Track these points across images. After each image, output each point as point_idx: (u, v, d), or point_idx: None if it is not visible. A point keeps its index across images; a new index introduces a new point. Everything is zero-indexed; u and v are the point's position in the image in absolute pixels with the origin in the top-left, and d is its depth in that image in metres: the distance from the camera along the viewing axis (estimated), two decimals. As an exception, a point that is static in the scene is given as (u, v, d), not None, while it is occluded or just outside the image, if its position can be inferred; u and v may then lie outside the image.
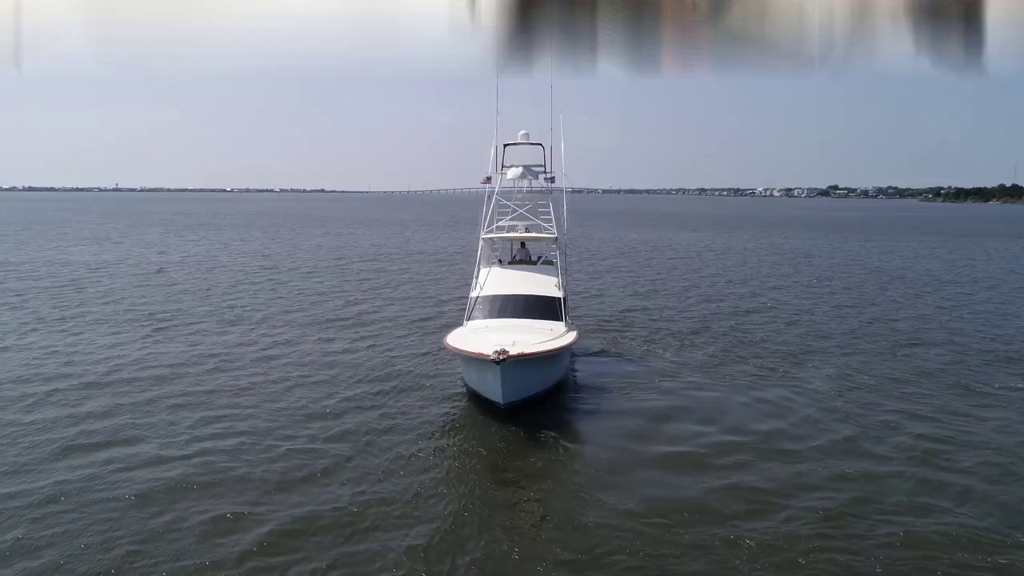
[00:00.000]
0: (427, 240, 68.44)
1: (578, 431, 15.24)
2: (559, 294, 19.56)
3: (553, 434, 14.44)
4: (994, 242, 71.03)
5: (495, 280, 20.20)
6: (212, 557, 9.88)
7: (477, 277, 20.62)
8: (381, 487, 12.07)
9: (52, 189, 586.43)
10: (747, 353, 21.45)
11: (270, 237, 70.89)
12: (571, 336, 17.75)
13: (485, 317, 18.77)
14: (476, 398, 16.21)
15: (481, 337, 16.32)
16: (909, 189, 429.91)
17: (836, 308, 29.78)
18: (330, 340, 22.77)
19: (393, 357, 20.71)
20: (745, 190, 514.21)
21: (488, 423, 15.09)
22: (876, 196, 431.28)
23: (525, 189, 24.34)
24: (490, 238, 22.09)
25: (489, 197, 22.59)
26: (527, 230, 23.27)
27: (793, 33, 5.98)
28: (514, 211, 23.11)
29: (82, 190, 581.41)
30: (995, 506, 11.54)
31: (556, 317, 18.70)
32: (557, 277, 20.56)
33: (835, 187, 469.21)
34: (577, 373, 19.57)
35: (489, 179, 23.24)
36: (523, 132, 23.58)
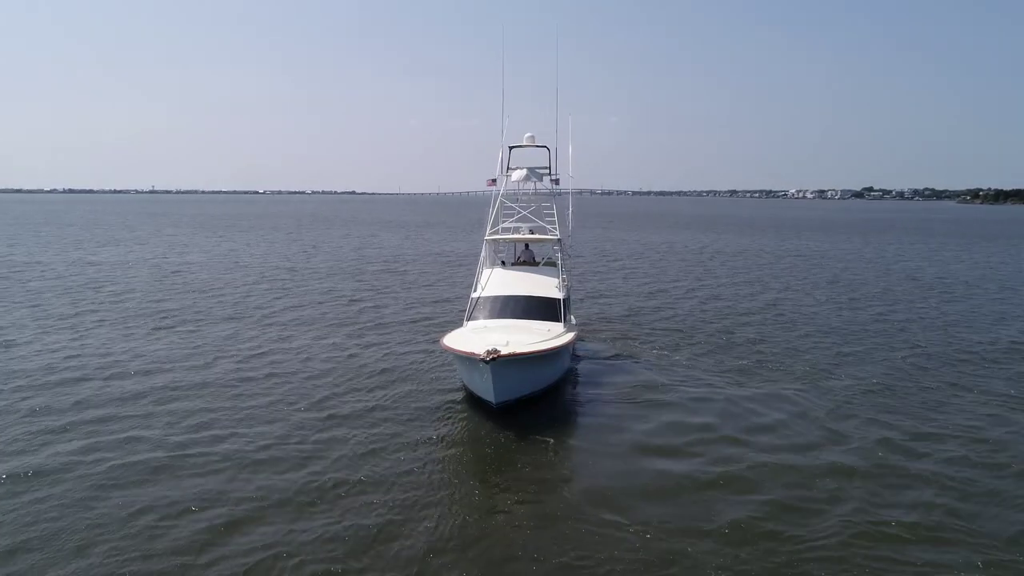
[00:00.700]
0: (447, 241, 68.54)
1: (570, 433, 15.02)
2: (559, 295, 19.57)
3: (544, 436, 14.25)
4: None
5: (496, 281, 20.25)
6: (179, 549, 9.89)
7: (479, 278, 20.63)
8: (363, 483, 12.01)
9: (91, 191, 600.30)
10: (752, 357, 20.89)
11: (293, 238, 71.54)
12: (568, 337, 17.70)
13: (484, 317, 18.83)
14: (472, 398, 16.21)
15: (476, 337, 16.35)
16: (946, 191, 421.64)
17: (847, 311, 29.04)
18: (333, 340, 22.75)
19: (393, 357, 20.61)
20: (777, 192, 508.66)
21: (480, 423, 15.02)
22: (912, 198, 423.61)
23: (530, 191, 24.25)
24: (493, 240, 22.11)
25: (495, 199, 22.62)
26: (531, 232, 23.26)
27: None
28: (518, 213, 23.14)
29: (119, 192, 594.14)
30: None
31: (555, 318, 18.73)
32: (558, 278, 20.54)
33: (870, 189, 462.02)
34: (578, 374, 19.44)
35: (494, 181, 23.31)
36: (529, 135, 23.60)
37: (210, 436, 14.11)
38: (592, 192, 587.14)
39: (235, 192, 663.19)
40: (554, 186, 24.02)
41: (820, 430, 14.81)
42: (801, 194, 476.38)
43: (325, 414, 15.47)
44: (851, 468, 12.79)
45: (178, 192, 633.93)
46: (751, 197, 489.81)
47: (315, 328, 24.66)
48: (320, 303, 30.12)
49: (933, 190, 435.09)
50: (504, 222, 22.98)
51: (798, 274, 42.16)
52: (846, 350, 21.93)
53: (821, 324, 26.15)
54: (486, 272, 20.93)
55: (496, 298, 19.31)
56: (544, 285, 20.12)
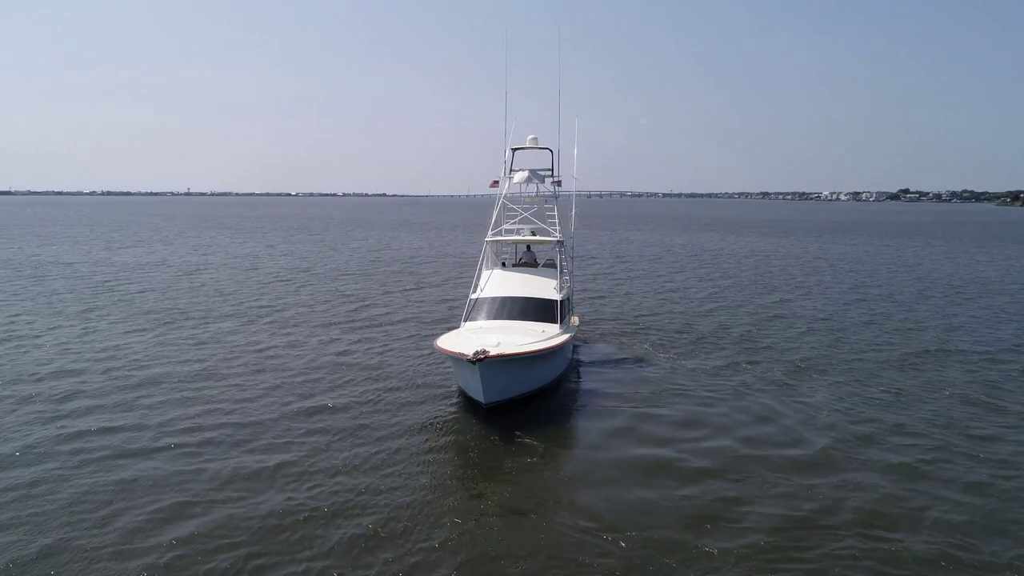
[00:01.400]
0: (466, 243, 68.64)
1: (560, 436, 14.85)
2: (557, 296, 19.51)
3: (533, 438, 14.12)
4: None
5: (494, 282, 20.31)
6: (159, 543, 10.02)
7: (478, 279, 20.66)
8: (338, 480, 12.10)
9: (128, 193, 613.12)
10: (757, 362, 20.48)
11: (316, 239, 72.28)
12: (561, 338, 17.62)
13: (481, 318, 18.87)
14: (466, 399, 16.24)
15: (469, 338, 16.37)
16: (986, 193, 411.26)
17: (861, 315, 28.40)
18: (333, 340, 22.90)
19: (391, 357, 20.69)
20: (810, 194, 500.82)
21: (470, 424, 15.03)
22: (950, 200, 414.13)
23: (533, 193, 24.18)
24: (494, 241, 22.09)
25: (497, 201, 22.66)
26: (533, 233, 23.20)
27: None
28: (521, 215, 23.12)
29: (156, 194, 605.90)
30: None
31: (552, 319, 18.69)
32: (557, 280, 20.44)
33: (906, 191, 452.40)
34: (578, 375, 19.37)
35: (497, 183, 23.33)
36: (532, 136, 23.54)
37: (190, 429, 14.31)
38: (622, 194, 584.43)
39: (268, 194, 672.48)
40: (556, 188, 23.96)
41: (819, 438, 14.39)
42: (835, 196, 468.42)
43: (312, 412, 15.56)
44: (842, 477, 12.45)
45: (212, 194, 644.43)
46: (784, 199, 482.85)
47: (318, 328, 24.84)
48: (328, 303, 30.35)
49: (972, 192, 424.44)
50: (506, 223, 22.97)
51: (814, 276, 41.41)
52: (848, 355, 21.44)
53: (827, 329, 25.62)
54: (486, 273, 20.97)
55: (493, 299, 19.34)
56: (542, 286, 20.07)
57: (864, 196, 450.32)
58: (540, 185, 23.63)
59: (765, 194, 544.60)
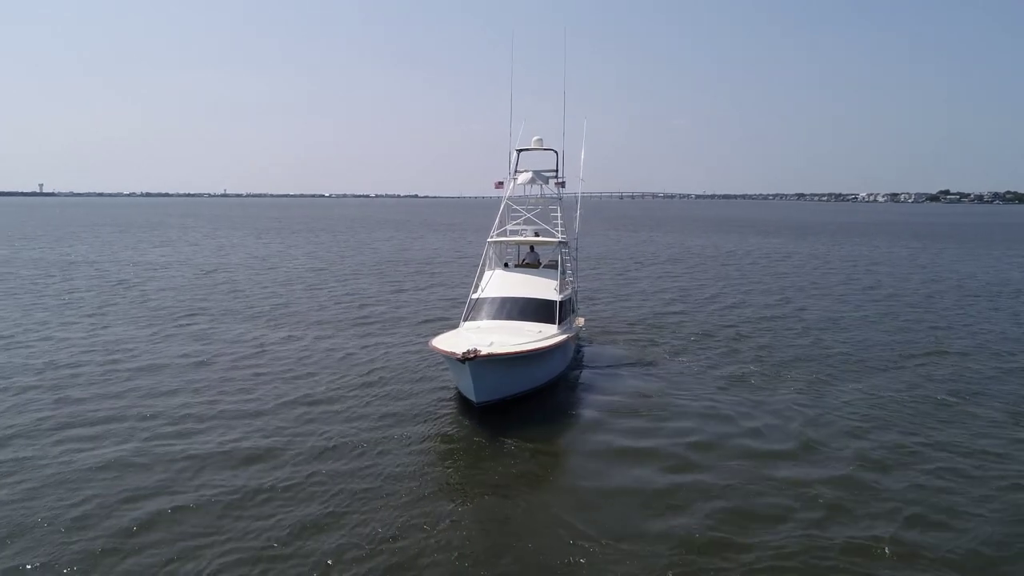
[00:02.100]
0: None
1: (551, 437, 14.64)
2: (556, 297, 19.39)
3: (523, 438, 13.99)
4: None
5: (494, 283, 20.29)
6: (142, 532, 10.16)
7: (479, 279, 20.62)
8: (317, 475, 12.16)
9: (166, 195, 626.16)
10: (759, 366, 20.00)
11: (340, 240, 73.06)
12: (557, 338, 17.49)
13: (480, 318, 18.85)
14: (462, 398, 16.20)
15: (463, 337, 16.34)
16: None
17: (877, 319, 27.74)
18: (336, 339, 23.01)
19: (391, 356, 20.72)
20: (847, 195, 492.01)
21: (462, 423, 15.03)
22: (992, 201, 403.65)
23: (538, 194, 24.08)
24: (496, 242, 22.00)
25: (503, 202, 22.69)
26: (536, 234, 23.10)
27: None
28: (525, 216, 23.05)
29: (193, 195, 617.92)
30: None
31: (550, 320, 18.58)
32: (557, 280, 20.30)
33: (946, 192, 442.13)
34: (579, 375, 19.26)
35: (501, 184, 23.33)
36: (537, 138, 23.43)
37: (181, 423, 14.51)
38: (655, 195, 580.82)
39: (302, 195, 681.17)
40: (560, 189, 23.83)
41: (815, 446, 13.89)
42: (872, 197, 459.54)
43: (301, 408, 15.71)
44: (830, 489, 11.97)
45: (248, 195, 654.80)
46: (819, 201, 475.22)
47: (322, 326, 25.00)
48: (336, 303, 30.56)
49: (1015, 193, 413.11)
50: (509, 224, 22.92)
51: (833, 279, 40.60)
52: (853, 360, 20.91)
53: (836, 333, 25.03)
54: (487, 274, 20.95)
55: (492, 299, 19.30)
56: (541, 287, 19.95)
57: (902, 198, 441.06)
58: (544, 186, 23.53)
59: (801, 195, 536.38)
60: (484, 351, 14.68)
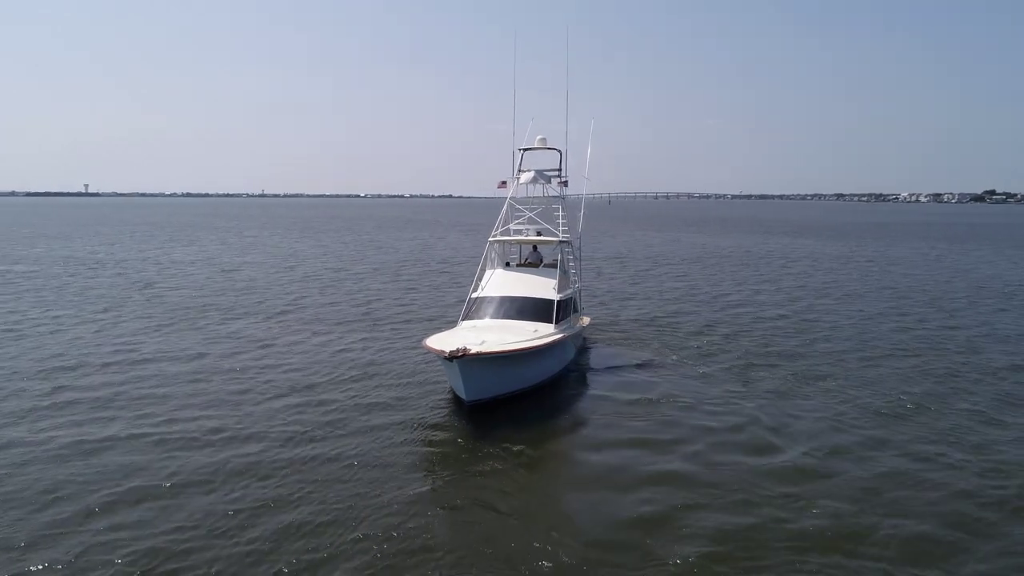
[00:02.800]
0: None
1: (539, 439, 14.47)
2: (554, 296, 19.34)
3: (511, 440, 13.90)
4: None
5: (493, 282, 20.33)
6: (136, 526, 10.29)
7: (479, 278, 20.66)
8: (292, 471, 12.24)
9: (206, 195, 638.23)
10: (763, 371, 19.49)
11: (364, 240, 73.73)
12: (552, 338, 17.46)
13: (478, 317, 18.90)
14: (454, 396, 16.26)
15: (457, 336, 16.38)
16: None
17: (877, 322, 27.11)
18: (340, 337, 23.21)
19: (394, 355, 20.81)
20: (887, 195, 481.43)
21: (452, 421, 15.04)
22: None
23: (540, 194, 24.04)
24: (497, 241, 22.00)
25: (507, 201, 22.72)
26: (539, 234, 23.07)
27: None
28: (529, 215, 23.06)
29: (232, 196, 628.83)
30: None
31: (547, 319, 18.53)
32: (556, 280, 20.21)
33: (991, 192, 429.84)
34: (579, 375, 19.17)
35: (505, 183, 23.34)
36: (540, 137, 23.44)
37: (167, 421, 14.73)
38: (689, 196, 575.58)
39: (337, 195, 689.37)
40: (563, 188, 23.77)
41: (817, 458, 13.31)
42: (914, 198, 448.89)
43: (292, 404, 15.89)
44: (831, 502, 11.49)
45: (285, 195, 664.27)
46: (859, 201, 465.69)
47: (327, 325, 25.23)
48: (347, 301, 30.82)
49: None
50: (512, 224, 22.92)
51: (858, 282, 39.76)
52: (856, 362, 20.45)
53: (848, 337, 24.52)
54: (487, 273, 21.00)
55: (490, 299, 19.33)
56: (540, 286, 19.89)
57: (946, 198, 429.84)
58: (547, 186, 23.48)
59: (840, 196, 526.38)
60: (473, 350, 14.74)
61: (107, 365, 19.18)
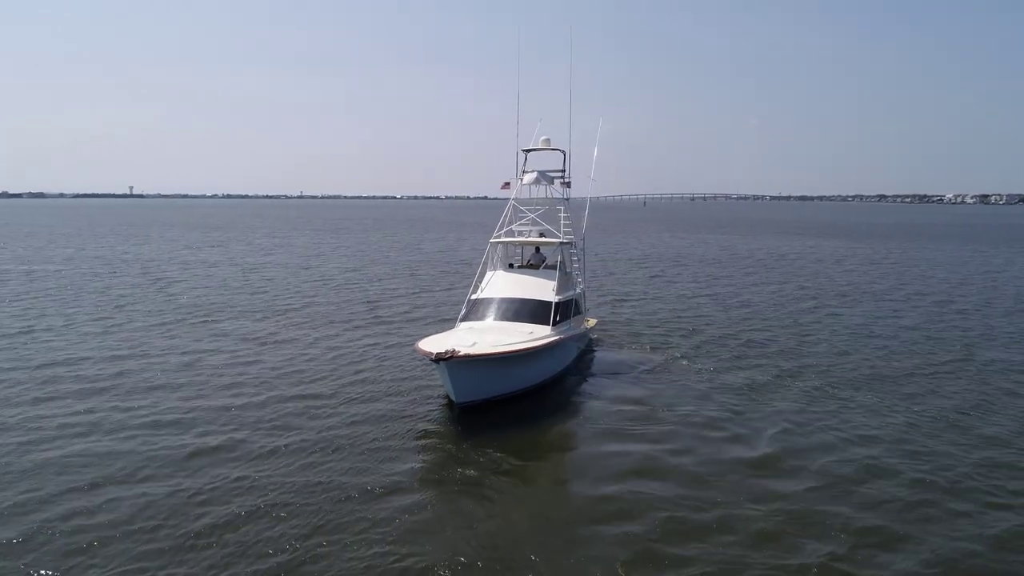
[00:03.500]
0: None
1: (528, 439, 14.32)
2: (552, 298, 19.11)
3: (497, 441, 13.81)
4: None
5: (492, 283, 20.24)
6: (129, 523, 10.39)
7: (479, 280, 20.60)
8: (280, 467, 12.33)
9: (245, 196, 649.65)
10: (773, 376, 18.89)
11: (388, 240, 74.34)
12: (547, 340, 17.26)
13: (475, 319, 18.81)
14: (447, 398, 16.17)
15: (452, 338, 16.32)
16: None
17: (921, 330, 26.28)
18: (341, 337, 23.30)
19: (394, 354, 20.87)
20: (932, 197, 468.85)
21: (441, 422, 15.02)
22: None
23: (544, 195, 23.86)
24: (498, 242, 21.91)
25: (510, 203, 22.62)
26: (541, 235, 22.89)
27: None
28: (531, 216, 22.92)
29: (271, 197, 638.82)
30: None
31: (544, 321, 18.36)
32: (555, 281, 19.99)
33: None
34: (579, 377, 18.97)
35: (508, 184, 23.26)
36: (544, 138, 23.28)
37: (152, 415, 14.95)
38: (727, 197, 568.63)
39: (373, 197, 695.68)
40: (566, 189, 23.56)
41: (813, 472, 12.73)
42: (960, 199, 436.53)
43: (279, 404, 15.95)
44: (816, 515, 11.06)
45: (323, 197, 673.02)
46: (902, 202, 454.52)
47: (330, 325, 25.36)
48: (357, 301, 30.95)
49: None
50: (514, 225, 22.79)
51: (878, 283, 38.71)
52: (868, 370, 19.83)
53: (861, 341, 23.82)
54: (488, 274, 20.89)
55: (488, 300, 19.23)
56: (538, 288, 19.69)
57: (993, 199, 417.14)
58: (550, 187, 23.30)
59: (882, 196, 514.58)
60: (462, 351, 14.67)
61: (107, 360, 19.60)
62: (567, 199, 23.44)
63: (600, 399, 16.96)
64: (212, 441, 13.55)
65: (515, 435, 14.29)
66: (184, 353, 20.70)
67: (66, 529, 10.20)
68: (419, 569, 9.31)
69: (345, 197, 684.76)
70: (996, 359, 21.04)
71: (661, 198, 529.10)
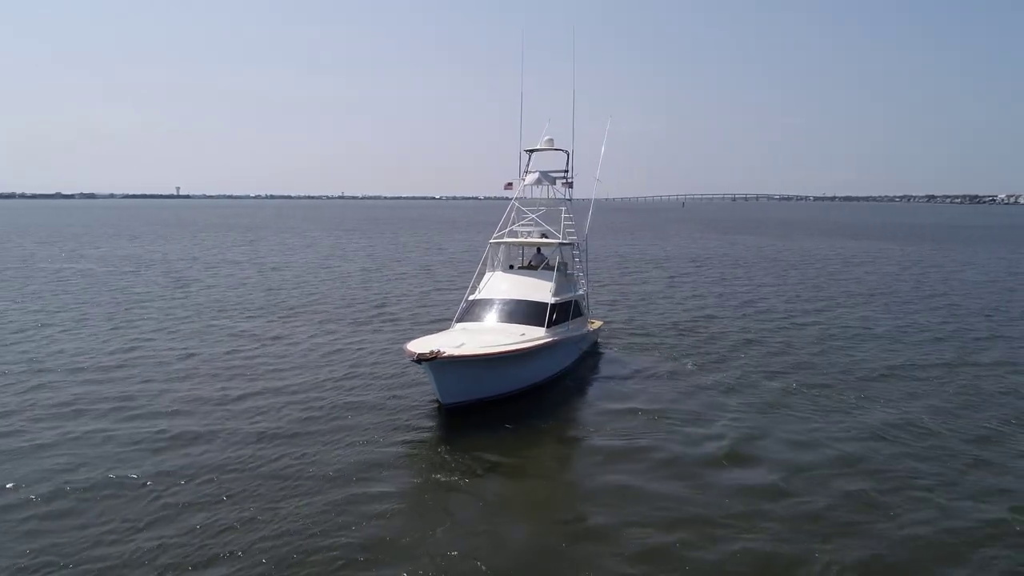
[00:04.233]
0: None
1: (513, 441, 14.11)
2: (548, 299, 18.88)
3: (481, 443, 13.67)
4: None
5: (489, 284, 20.12)
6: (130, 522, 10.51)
7: (477, 280, 20.50)
8: (259, 465, 12.40)
9: (288, 197, 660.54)
10: (778, 380, 18.41)
11: (416, 239, 74.90)
12: (538, 341, 17.06)
13: (470, 320, 18.71)
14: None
15: (439, 339, 16.22)
16: None
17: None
18: (341, 336, 23.41)
19: (393, 354, 20.73)
20: (983, 197, 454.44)
21: (424, 423, 14.93)
22: None
23: (546, 195, 23.64)
24: (498, 242, 21.79)
25: (512, 203, 22.54)
26: (543, 235, 22.68)
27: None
28: (531, 217, 22.76)
29: (313, 198, 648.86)
30: None
31: (539, 322, 18.16)
32: (552, 282, 19.74)
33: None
34: (579, 379, 18.84)
35: (511, 185, 23.13)
36: (547, 138, 23.10)
37: (141, 407, 15.27)
38: (769, 198, 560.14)
39: (414, 197, 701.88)
40: (568, 190, 23.30)
41: (818, 487, 12.08)
42: (1013, 199, 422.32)
43: (270, 400, 16.15)
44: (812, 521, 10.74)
45: (364, 197, 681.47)
46: (951, 203, 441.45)
47: (338, 324, 25.51)
48: (367, 302, 31.08)
49: None
50: (516, 226, 22.63)
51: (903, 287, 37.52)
52: (877, 377, 19.16)
53: (873, 346, 23.08)
54: (486, 275, 20.75)
55: (484, 301, 19.12)
56: (534, 289, 19.48)
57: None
58: (552, 188, 23.08)
59: (931, 197, 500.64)
60: (447, 352, 14.51)
61: (106, 357, 19.99)
62: (569, 200, 23.18)
63: (595, 402, 16.73)
64: (191, 432, 13.75)
65: (501, 436, 14.14)
66: (183, 348, 21.04)
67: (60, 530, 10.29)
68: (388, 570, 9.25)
69: (385, 198, 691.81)
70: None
71: (701, 198, 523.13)
